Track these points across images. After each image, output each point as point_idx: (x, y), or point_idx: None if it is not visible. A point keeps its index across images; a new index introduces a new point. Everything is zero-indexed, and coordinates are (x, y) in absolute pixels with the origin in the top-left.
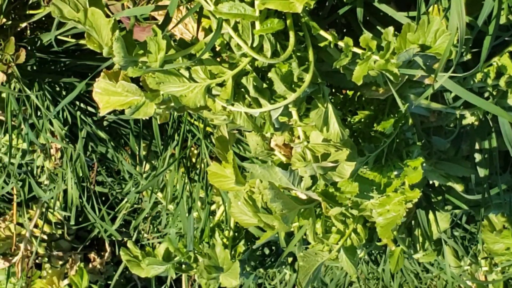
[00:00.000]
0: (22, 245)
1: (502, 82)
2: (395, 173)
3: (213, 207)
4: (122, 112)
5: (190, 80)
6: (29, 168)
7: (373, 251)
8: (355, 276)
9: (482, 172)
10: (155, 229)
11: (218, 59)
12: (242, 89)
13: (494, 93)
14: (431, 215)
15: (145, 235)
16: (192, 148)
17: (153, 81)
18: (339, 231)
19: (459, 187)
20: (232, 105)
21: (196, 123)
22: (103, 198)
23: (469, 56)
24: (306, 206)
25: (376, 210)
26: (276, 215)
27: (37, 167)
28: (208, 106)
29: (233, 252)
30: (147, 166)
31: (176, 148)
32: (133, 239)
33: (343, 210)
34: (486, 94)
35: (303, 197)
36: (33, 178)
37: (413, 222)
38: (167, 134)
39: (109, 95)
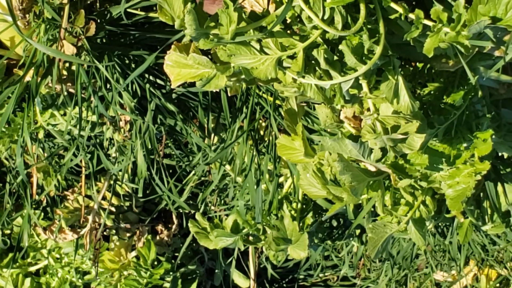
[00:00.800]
0: (90, 217)
1: None
2: (465, 145)
3: (281, 179)
4: (191, 84)
5: (261, 53)
6: (98, 141)
7: (440, 224)
8: (424, 248)
9: None
10: (222, 201)
11: (289, 32)
12: (313, 62)
13: None
14: (499, 187)
15: (212, 207)
16: (261, 121)
17: (224, 54)
18: (408, 203)
19: None
20: (303, 77)
21: (264, 95)
22: (171, 171)
23: None
24: (375, 178)
25: (446, 182)
26: (345, 187)
27: (107, 140)
28: (278, 78)
29: (301, 224)
30: (216, 139)
31: (244, 120)
32: (200, 211)
33: (412, 182)
34: None
35: (372, 169)
36: (102, 151)
37: (481, 194)
38: (236, 106)
39: (180, 68)
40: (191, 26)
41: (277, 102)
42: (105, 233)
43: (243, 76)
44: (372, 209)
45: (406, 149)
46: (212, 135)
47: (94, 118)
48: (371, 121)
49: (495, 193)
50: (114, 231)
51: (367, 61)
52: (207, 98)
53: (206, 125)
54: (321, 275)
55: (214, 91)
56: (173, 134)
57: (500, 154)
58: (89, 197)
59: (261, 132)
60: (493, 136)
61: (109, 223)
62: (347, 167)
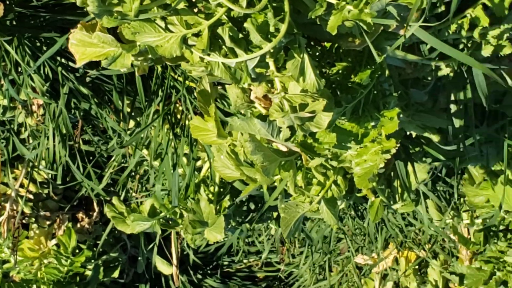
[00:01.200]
0: (7, 205)
1: (476, 34)
2: (372, 123)
3: (199, 163)
4: (105, 68)
5: (166, 31)
6: (12, 126)
7: (359, 207)
8: (335, 227)
9: (457, 123)
10: (143, 188)
11: (195, 10)
12: (219, 40)
13: (469, 44)
14: (410, 167)
15: (134, 194)
16: (177, 105)
17: (129, 32)
18: (320, 182)
19: (435, 138)
20: (208, 55)
21: (180, 78)
22: (91, 158)
23: (443, 8)
24: (287, 158)
25: (354, 160)
26: (258, 168)
27: (19, 124)
28: (186, 57)
29: (218, 207)
30: (132, 123)
31: (160, 104)
32: (122, 198)
33: (323, 162)
34: (461, 46)
35: (284, 149)
36: (16, 136)
37: (392, 173)
38: (151, 90)
39: (85, 47)
40: (93, 3)
41: (192, 84)
42: (24, 221)
43: (150, 56)
44: (287, 190)
45: (314, 127)
46: (128, 119)
47: (5, 102)
48: (279, 99)
49: (405, 173)
50: (33, 219)
51: (272, 39)
52: (122, 81)
53: (121, 109)
54: (245, 261)
55: (128, 74)
56: (90, 120)
57: (408, 133)
58: (6, 184)
59: (178, 116)
60: (401, 115)
61: (27, 210)
62: (258, 147)
